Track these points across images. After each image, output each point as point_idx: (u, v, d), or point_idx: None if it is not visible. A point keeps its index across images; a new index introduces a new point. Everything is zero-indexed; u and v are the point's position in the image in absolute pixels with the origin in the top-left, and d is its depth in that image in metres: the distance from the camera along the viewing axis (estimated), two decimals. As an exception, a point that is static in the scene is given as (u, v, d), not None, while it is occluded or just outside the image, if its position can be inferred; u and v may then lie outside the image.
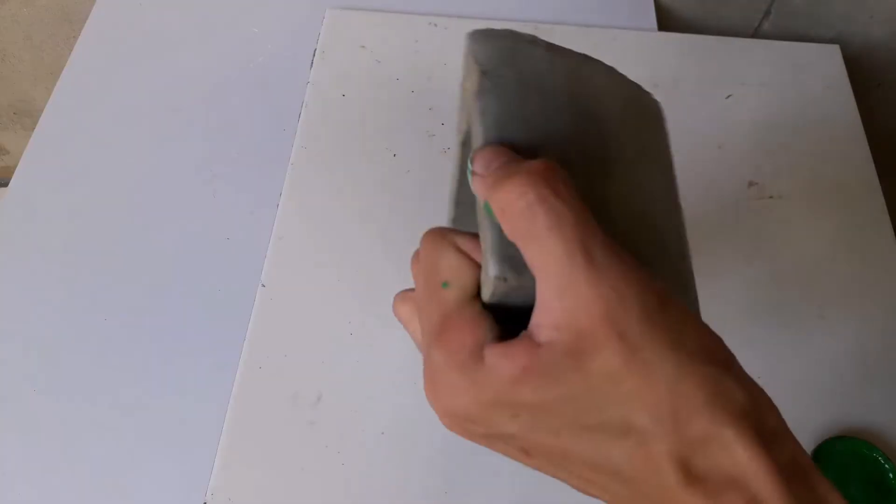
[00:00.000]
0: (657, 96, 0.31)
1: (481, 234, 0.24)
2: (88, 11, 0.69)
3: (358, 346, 0.50)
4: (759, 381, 0.23)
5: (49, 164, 0.60)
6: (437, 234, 0.26)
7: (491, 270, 0.23)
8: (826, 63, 0.67)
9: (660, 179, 0.27)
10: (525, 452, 0.24)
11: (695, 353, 0.22)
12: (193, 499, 0.45)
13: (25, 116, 1.03)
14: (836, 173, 0.60)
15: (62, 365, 0.51)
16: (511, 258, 0.22)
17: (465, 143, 0.27)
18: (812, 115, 0.63)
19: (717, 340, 0.23)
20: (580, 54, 0.28)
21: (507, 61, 0.26)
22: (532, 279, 0.22)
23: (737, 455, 0.21)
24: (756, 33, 0.73)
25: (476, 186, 0.24)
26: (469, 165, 0.24)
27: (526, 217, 0.21)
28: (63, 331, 0.52)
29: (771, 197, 0.59)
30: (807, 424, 0.49)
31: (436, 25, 0.66)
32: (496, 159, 0.23)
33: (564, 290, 0.21)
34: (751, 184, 0.59)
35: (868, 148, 0.62)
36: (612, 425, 0.22)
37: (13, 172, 0.59)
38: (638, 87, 0.29)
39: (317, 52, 0.64)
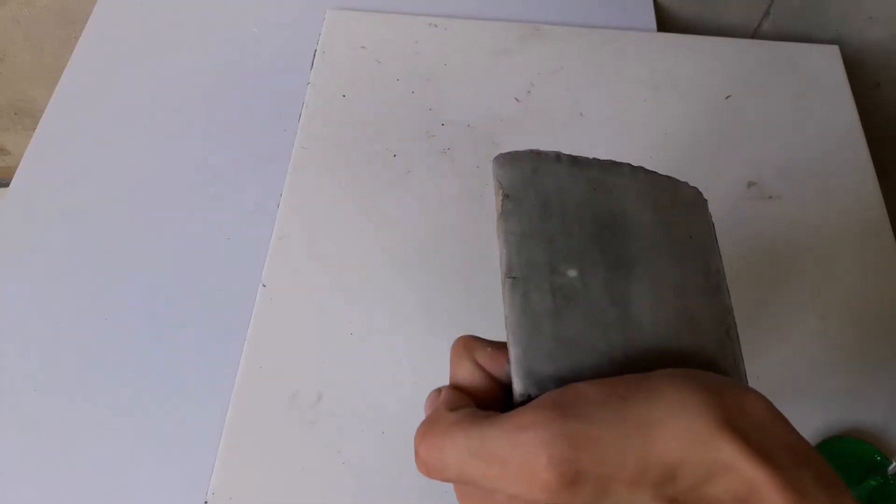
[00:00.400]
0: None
1: (509, 349, 0.26)
2: (89, 12, 0.69)
3: (358, 346, 0.50)
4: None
5: (50, 164, 0.60)
6: (461, 345, 0.28)
7: (517, 387, 0.25)
8: (825, 63, 0.67)
9: (694, 267, 0.28)
10: None
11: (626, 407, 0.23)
12: (194, 499, 0.45)
13: (26, 117, 1.03)
14: (836, 173, 0.60)
15: (62, 365, 0.50)
16: (534, 373, 0.25)
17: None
18: (811, 116, 0.63)
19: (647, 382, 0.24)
20: (605, 161, 0.30)
21: (529, 182, 0.28)
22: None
23: (741, 474, 0.21)
24: (755, 34, 0.73)
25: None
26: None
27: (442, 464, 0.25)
28: (63, 331, 0.52)
29: (771, 197, 0.59)
30: (806, 425, 0.49)
31: (436, 26, 0.67)
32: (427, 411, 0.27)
33: (508, 454, 0.23)
34: (750, 184, 0.59)
35: (867, 148, 0.62)
36: None
37: (14, 173, 0.59)
38: (670, 179, 0.31)
39: (317, 52, 0.64)
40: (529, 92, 0.63)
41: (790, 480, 0.21)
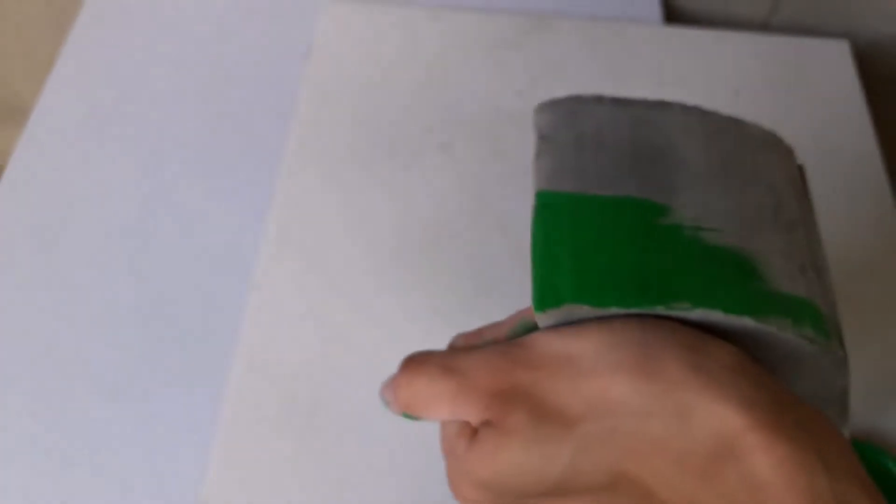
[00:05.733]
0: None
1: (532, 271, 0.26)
2: (80, 6, 0.68)
3: (356, 347, 0.49)
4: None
5: (40, 161, 0.59)
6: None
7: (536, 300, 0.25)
8: (835, 58, 0.66)
9: (758, 201, 0.28)
10: None
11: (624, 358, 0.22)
12: (189, 502, 0.45)
13: (17, 113, 1.02)
14: (845, 171, 0.59)
15: (56, 366, 0.50)
16: (554, 289, 0.25)
17: None
18: (820, 112, 0.62)
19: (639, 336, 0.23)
20: (653, 101, 0.30)
21: (565, 123, 0.28)
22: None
23: (718, 417, 0.20)
24: (764, 27, 0.72)
25: (394, 410, 0.28)
26: (382, 399, 0.29)
27: (418, 395, 0.26)
28: (54, 331, 0.51)
29: (780, 195, 0.58)
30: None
31: (436, 19, 0.66)
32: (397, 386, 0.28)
33: (459, 394, 0.24)
34: (759, 181, 0.59)
35: (877, 145, 0.61)
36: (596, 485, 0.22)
37: (4, 170, 0.58)
38: (734, 119, 0.30)
39: (314, 46, 0.64)
40: (532, 86, 0.62)
41: (772, 424, 0.20)
